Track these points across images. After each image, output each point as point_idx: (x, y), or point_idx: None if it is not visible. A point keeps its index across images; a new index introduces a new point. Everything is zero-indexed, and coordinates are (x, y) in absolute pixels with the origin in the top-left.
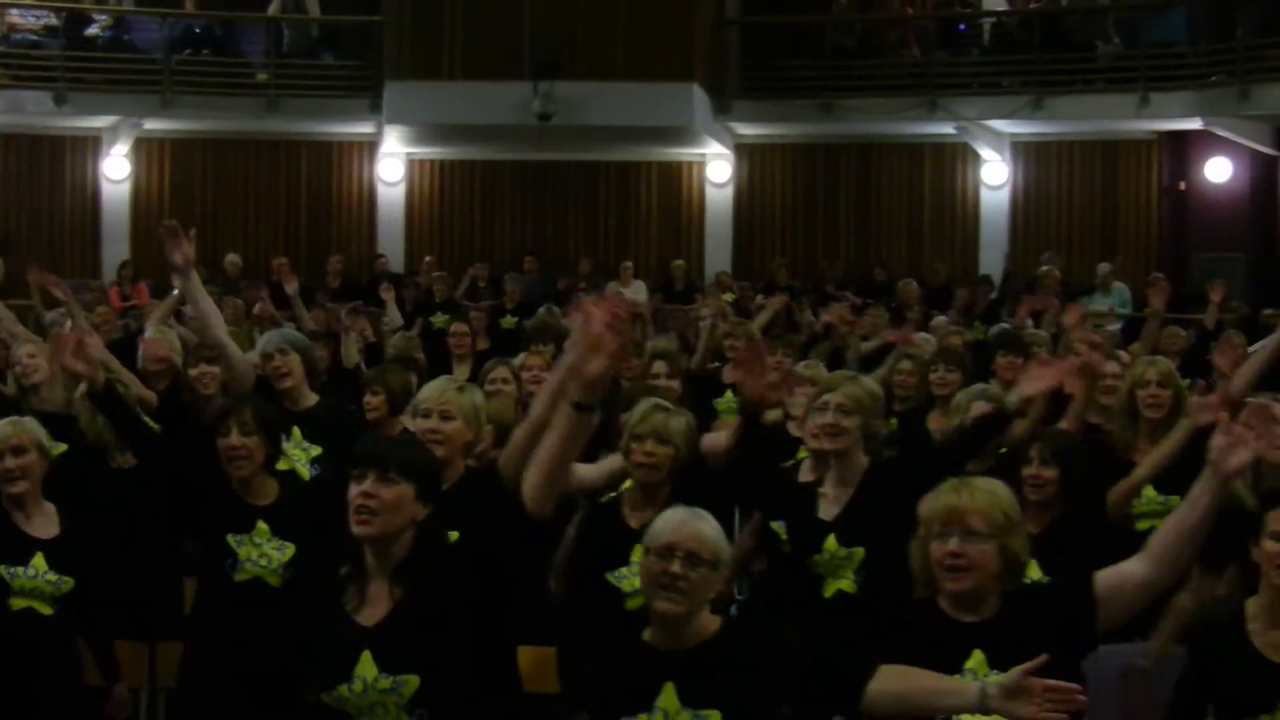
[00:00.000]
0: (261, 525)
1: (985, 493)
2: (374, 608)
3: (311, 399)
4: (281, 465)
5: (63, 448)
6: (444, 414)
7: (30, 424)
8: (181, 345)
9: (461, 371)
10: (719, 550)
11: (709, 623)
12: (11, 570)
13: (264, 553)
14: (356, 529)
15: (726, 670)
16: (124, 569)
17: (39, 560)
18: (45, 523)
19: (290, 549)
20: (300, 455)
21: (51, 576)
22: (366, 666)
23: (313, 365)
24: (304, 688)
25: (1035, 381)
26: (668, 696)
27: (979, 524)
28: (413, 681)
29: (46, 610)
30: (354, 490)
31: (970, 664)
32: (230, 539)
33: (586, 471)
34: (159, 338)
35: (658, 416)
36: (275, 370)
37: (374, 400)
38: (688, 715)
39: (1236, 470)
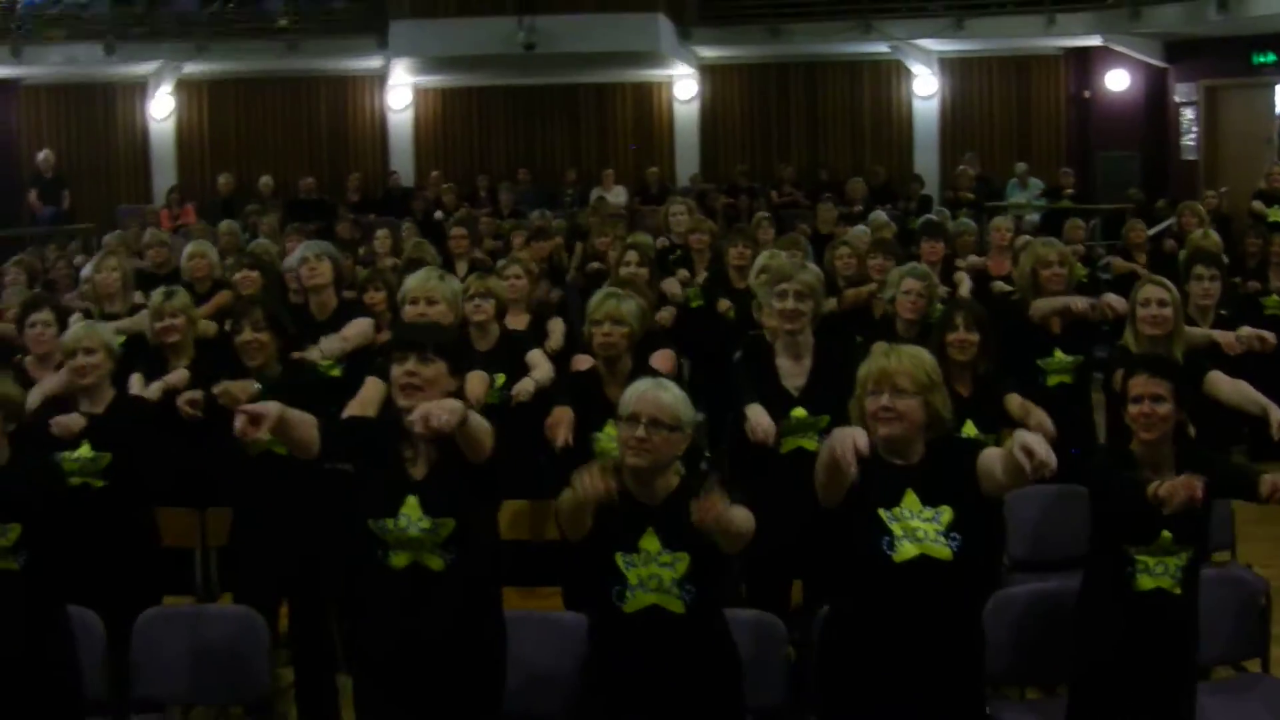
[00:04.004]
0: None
1: (910, 356)
2: (419, 464)
3: (334, 303)
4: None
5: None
6: (429, 299)
7: (102, 328)
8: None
9: (461, 268)
10: (680, 414)
11: (673, 477)
12: (65, 455)
13: None
14: (403, 401)
15: (690, 519)
16: (168, 446)
17: (85, 444)
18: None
19: None
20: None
21: (91, 454)
22: (412, 508)
23: (341, 273)
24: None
25: None
26: (649, 539)
27: (905, 383)
28: (449, 524)
29: (99, 483)
30: (398, 370)
31: (906, 502)
32: None
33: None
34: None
35: (610, 303)
36: (310, 271)
37: (376, 296)
38: (667, 556)
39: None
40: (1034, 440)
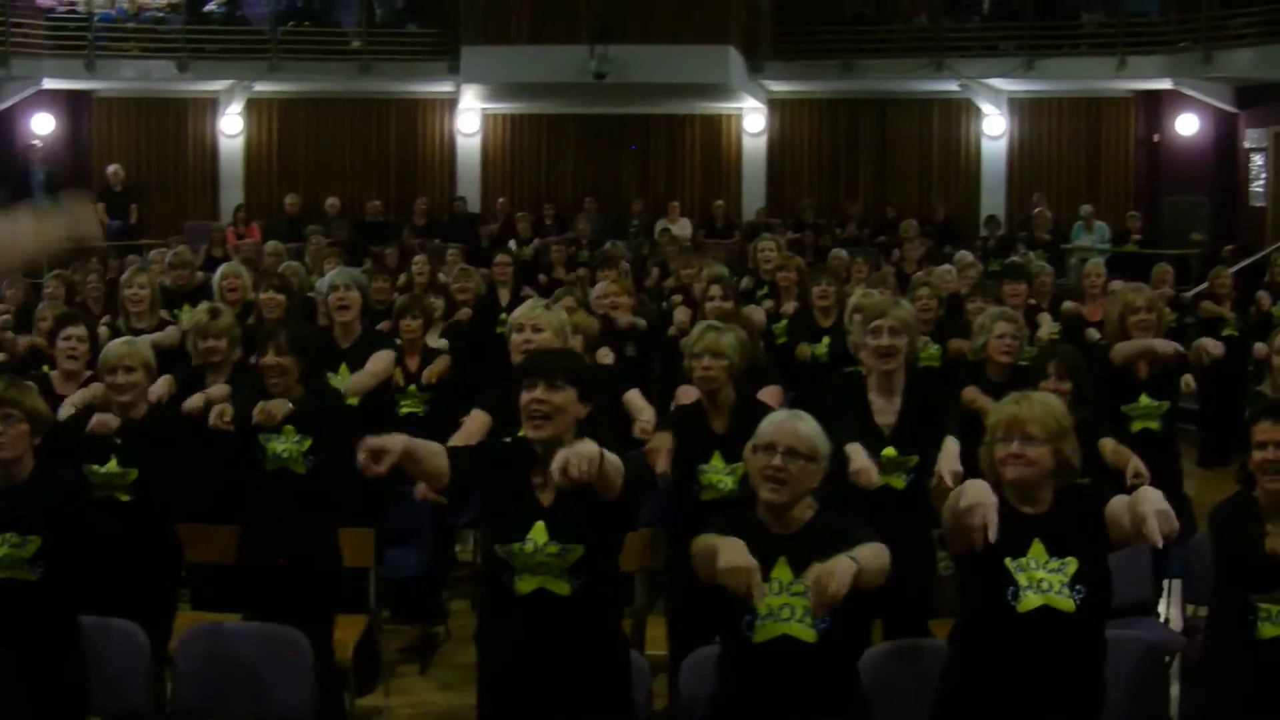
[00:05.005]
0: (287, 425)
1: (1041, 404)
2: (548, 490)
3: (358, 331)
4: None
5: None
6: (535, 327)
7: (141, 345)
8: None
9: (504, 295)
10: (816, 445)
11: (807, 510)
12: (93, 468)
13: (287, 447)
14: (533, 433)
15: (825, 549)
16: (200, 463)
17: (113, 459)
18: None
19: (309, 440)
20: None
21: (118, 469)
22: (539, 533)
23: (368, 301)
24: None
25: None
26: (781, 569)
27: (1036, 430)
28: (578, 550)
29: (125, 497)
30: (526, 397)
31: (1033, 552)
32: (261, 438)
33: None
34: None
35: (710, 335)
36: (338, 300)
37: (412, 324)
38: (799, 585)
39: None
40: (1158, 510)
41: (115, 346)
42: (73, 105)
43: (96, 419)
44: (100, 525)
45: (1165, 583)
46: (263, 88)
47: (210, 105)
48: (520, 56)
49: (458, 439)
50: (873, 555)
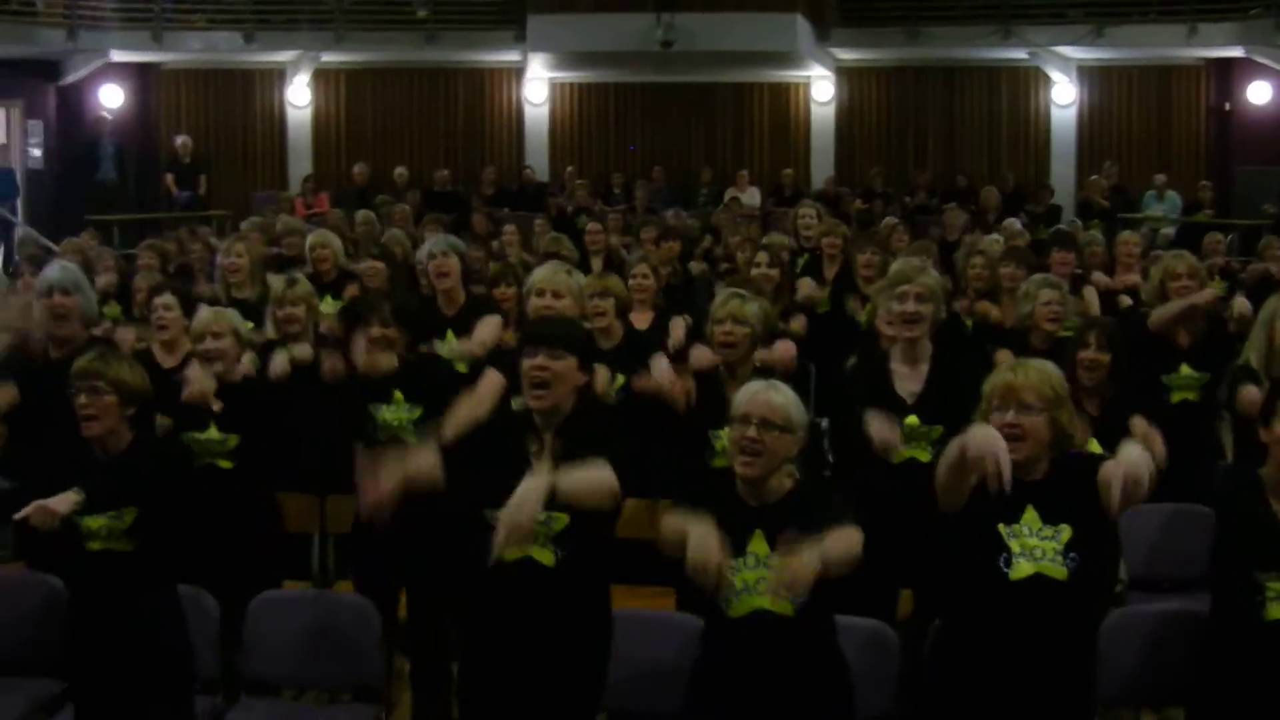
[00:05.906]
0: (397, 393)
1: (1037, 371)
2: (543, 457)
3: (462, 298)
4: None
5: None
6: (555, 293)
7: (229, 313)
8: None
9: (597, 264)
10: (791, 416)
11: (786, 480)
12: (192, 435)
13: (397, 415)
14: (533, 402)
15: (801, 522)
16: (292, 432)
17: (213, 425)
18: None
19: (419, 410)
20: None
21: (219, 435)
22: None
23: (468, 267)
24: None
25: None
26: (758, 541)
27: (1031, 399)
28: (562, 519)
29: (226, 464)
30: (527, 364)
31: (1025, 518)
32: (370, 407)
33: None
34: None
35: (734, 302)
36: (437, 268)
37: (506, 291)
38: (775, 560)
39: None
40: (1129, 469)
41: (202, 315)
42: (140, 77)
43: (191, 389)
44: (196, 496)
45: None
46: (329, 58)
47: (277, 76)
48: (586, 25)
49: (463, 404)
50: (843, 545)
